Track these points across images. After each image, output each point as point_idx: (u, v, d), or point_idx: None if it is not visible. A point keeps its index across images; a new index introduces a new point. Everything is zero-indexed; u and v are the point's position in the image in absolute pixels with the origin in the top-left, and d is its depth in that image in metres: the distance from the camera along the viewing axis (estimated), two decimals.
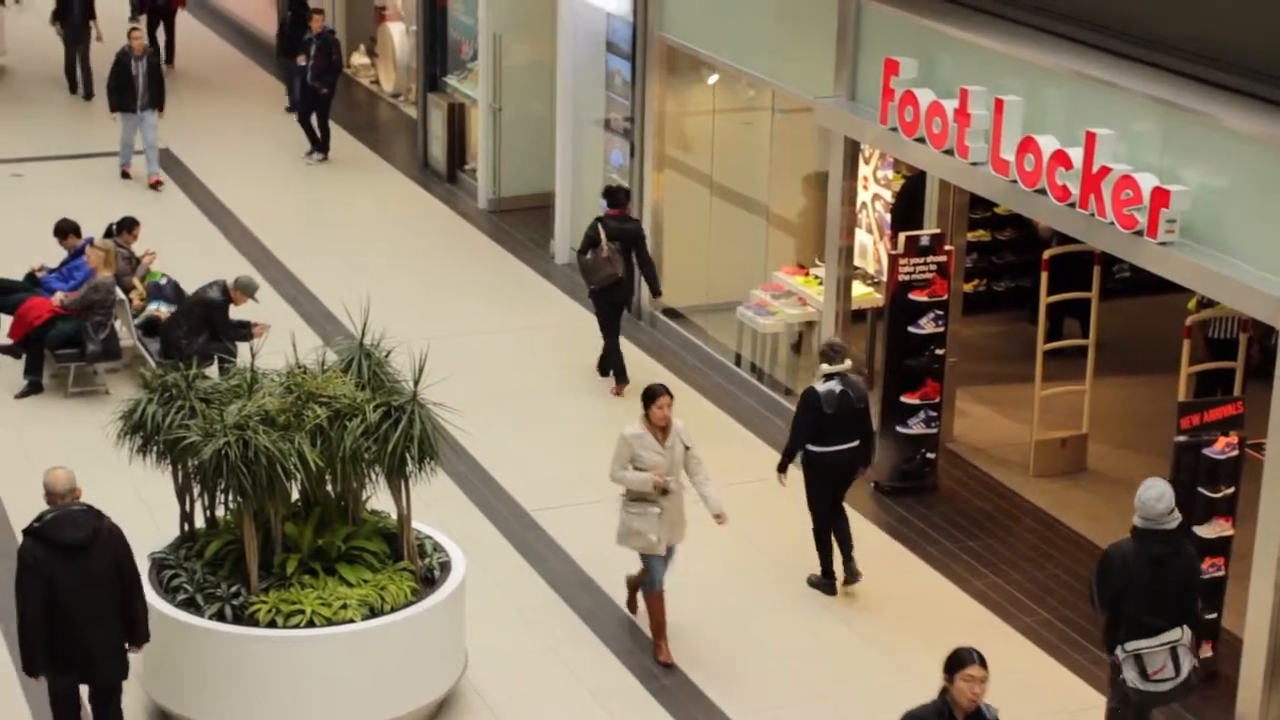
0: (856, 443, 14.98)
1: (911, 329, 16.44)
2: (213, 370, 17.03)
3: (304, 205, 24.49)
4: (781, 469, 15.14)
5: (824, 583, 15.28)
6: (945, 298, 16.51)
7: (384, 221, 23.94)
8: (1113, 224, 13.50)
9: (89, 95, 28.86)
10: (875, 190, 18.18)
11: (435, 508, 15.16)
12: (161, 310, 18.91)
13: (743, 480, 16.97)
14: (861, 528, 15.99)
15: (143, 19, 30.69)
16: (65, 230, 19.78)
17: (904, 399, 16.61)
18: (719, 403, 18.69)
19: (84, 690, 12.36)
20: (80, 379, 18.68)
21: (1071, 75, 14.33)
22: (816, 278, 18.45)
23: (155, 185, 24.84)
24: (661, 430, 13.92)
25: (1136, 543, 12.19)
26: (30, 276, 19.58)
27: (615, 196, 18.87)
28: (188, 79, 30.16)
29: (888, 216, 17.98)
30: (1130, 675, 12.25)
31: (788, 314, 18.73)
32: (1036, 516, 16.55)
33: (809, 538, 15.31)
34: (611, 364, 18.92)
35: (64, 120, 28.15)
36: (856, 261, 17.90)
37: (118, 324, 18.69)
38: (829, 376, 14.86)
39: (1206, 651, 13.67)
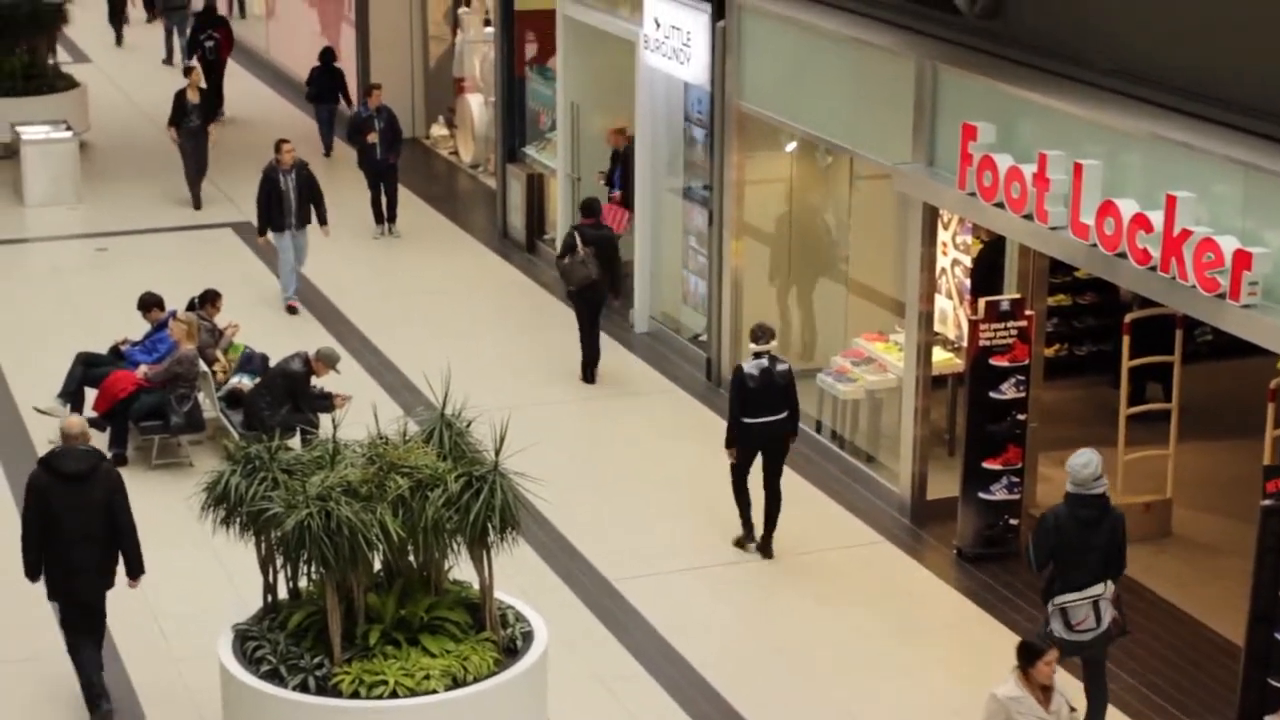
0: (783, 415, 16.58)
1: (993, 394, 16.38)
2: (295, 442, 17.09)
3: (384, 276, 24.61)
4: (728, 444, 16.68)
5: (745, 537, 16.91)
6: (1026, 363, 16.44)
7: (464, 291, 24.03)
8: (1194, 287, 13.43)
9: (198, 204, 27.64)
10: (955, 256, 18.14)
11: (517, 577, 15.15)
12: (244, 382, 19.03)
13: (825, 548, 16.94)
14: (943, 593, 15.92)
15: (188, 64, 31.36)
16: (148, 304, 19.93)
17: (986, 465, 16.53)
18: (799, 469, 18.62)
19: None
20: (164, 451, 18.80)
21: (1150, 138, 14.29)
22: (896, 344, 18.41)
23: (292, 310, 23.13)
24: (1044, 690, 11.90)
25: (1067, 507, 13.52)
26: (115, 350, 19.73)
27: (590, 207, 20.87)
28: (251, 142, 30.28)
29: (967, 282, 17.93)
30: (1056, 626, 13.43)
31: (868, 380, 18.68)
32: (1121, 582, 16.39)
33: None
34: (586, 356, 20.87)
35: (147, 195, 28.38)
36: (937, 327, 17.85)
37: (201, 396, 18.81)
38: (757, 355, 16.54)
39: None
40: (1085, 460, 13.51)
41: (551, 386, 20.79)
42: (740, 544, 16.97)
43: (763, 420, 16.57)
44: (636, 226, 22.44)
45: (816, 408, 19.28)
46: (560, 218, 24.40)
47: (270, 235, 23.09)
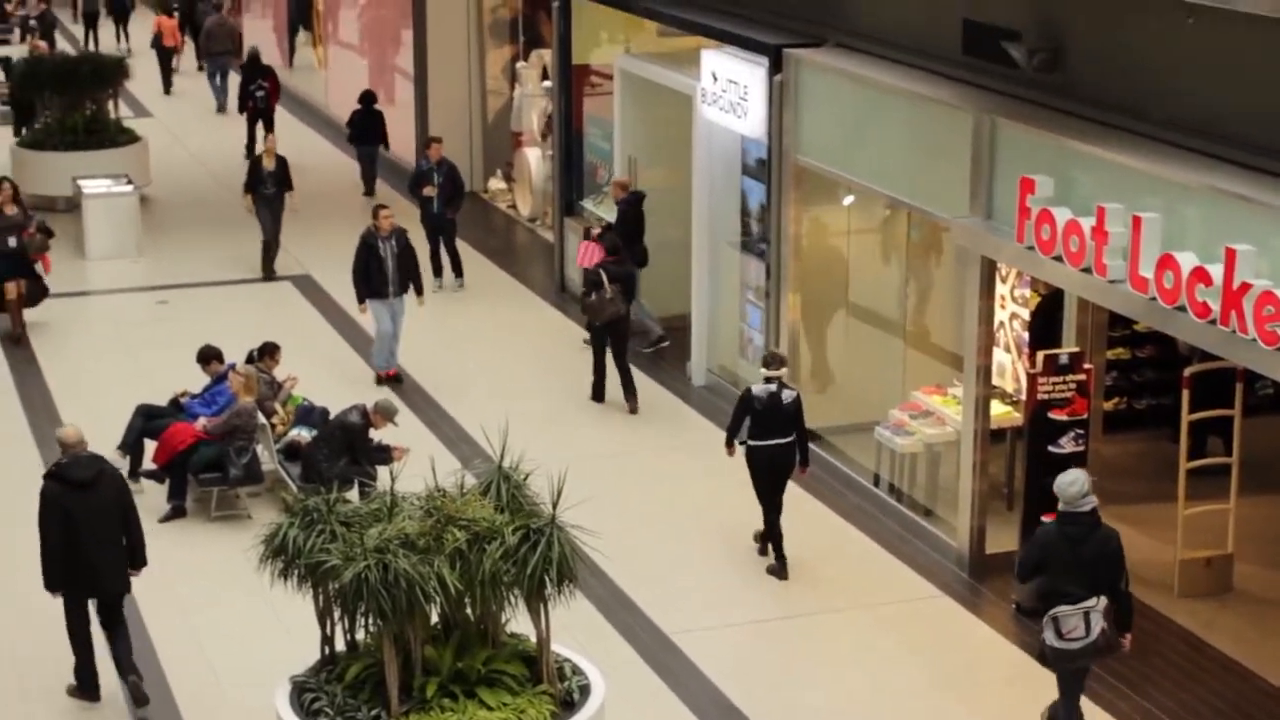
0: (790, 439, 17.36)
1: (1051, 448, 16.31)
2: (353, 494, 17.14)
3: (442, 328, 24.68)
4: (728, 445, 17.74)
5: (776, 568, 17.56)
6: (1085, 416, 16.38)
7: (521, 344, 24.08)
8: (1255, 340, 13.36)
9: (269, 275, 27.05)
10: (1013, 309, 18.11)
11: (574, 630, 15.13)
12: (303, 435, 19.10)
13: (883, 602, 16.89)
14: (1002, 648, 15.85)
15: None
16: (208, 356, 20.02)
17: (1045, 519, 16.42)
18: (857, 523, 18.60)
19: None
20: (223, 503, 18.86)
21: (1209, 191, 14.24)
22: (955, 397, 18.37)
23: (391, 378, 22.48)
24: None
25: (1057, 524, 14.03)
26: (174, 402, 19.83)
27: (616, 246, 21.95)
28: (309, 191, 30.48)
29: (1026, 335, 17.90)
30: (1049, 635, 13.88)
31: (926, 434, 18.63)
32: (1182, 638, 16.31)
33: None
34: (599, 376, 21.73)
35: (207, 248, 28.57)
36: (995, 380, 17.81)
37: (260, 449, 18.88)
38: (767, 380, 17.31)
39: None
40: (1072, 479, 13.97)
41: (609, 439, 20.80)
42: (758, 539, 17.99)
43: (769, 443, 17.35)
44: (694, 280, 22.47)
45: (874, 461, 19.24)
46: None
47: (370, 305, 22.40)
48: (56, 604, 14.99)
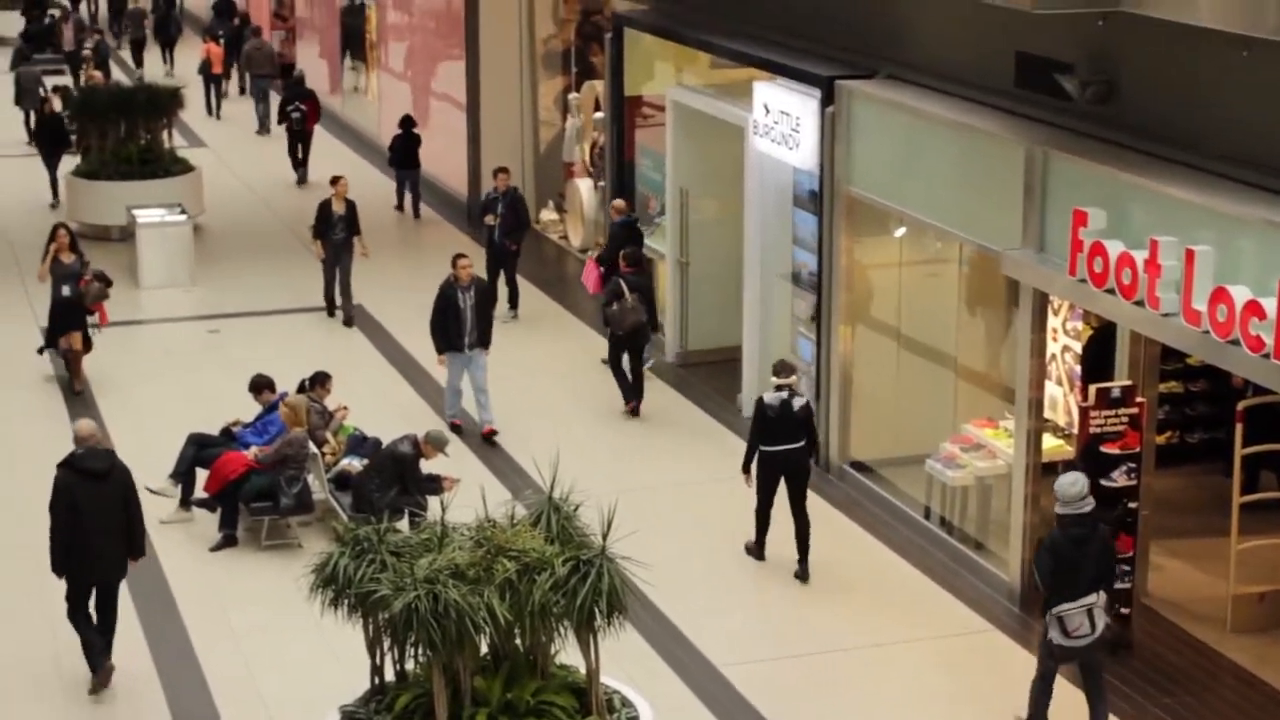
0: (801, 443, 17.93)
1: (1104, 482, 16.23)
2: (404, 524, 17.16)
3: (493, 359, 24.67)
4: (745, 469, 18.13)
5: (756, 550, 18.38)
6: (1138, 450, 16.29)
7: (572, 375, 24.09)
8: None
9: (350, 321, 26.35)
10: (1065, 342, 18.05)
11: (623, 662, 15.12)
12: (354, 464, 19.13)
13: (933, 636, 16.83)
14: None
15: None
16: (259, 386, 20.09)
17: None
18: (908, 556, 18.55)
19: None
20: (274, 532, 18.91)
21: (1263, 224, 14.19)
22: (1006, 430, 18.31)
23: (490, 435, 21.81)
24: None
25: (1060, 528, 14.59)
26: (226, 431, 19.90)
27: (636, 258, 22.79)
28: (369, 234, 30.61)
29: (1078, 368, 17.83)
30: (1054, 634, 14.46)
31: (977, 467, 18.57)
32: (1235, 673, 16.21)
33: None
34: (625, 388, 22.51)
35: (259, 277, 28.68)
36: (1046, 414, 17.75)
37: (310, 478, 18.92)
38: (778, 388, 17.90)
39: None
40: (1072, 479, 14.62)
41: (659, 470, 20.79)
42: (750, 550, 18.51)
43: (782, 448, 17.91)
44: (745, 311, 22.46)
45: (925, 494, 19.18)
46: (669, 302, 24.44)
47: (446, 357, 21.78)
48: None
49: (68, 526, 15.52)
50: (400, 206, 32.85)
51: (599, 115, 28.30)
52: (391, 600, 12.32)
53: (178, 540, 18.95)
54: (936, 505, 19.09)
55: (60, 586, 15.78)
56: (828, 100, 20.12)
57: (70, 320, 23.45)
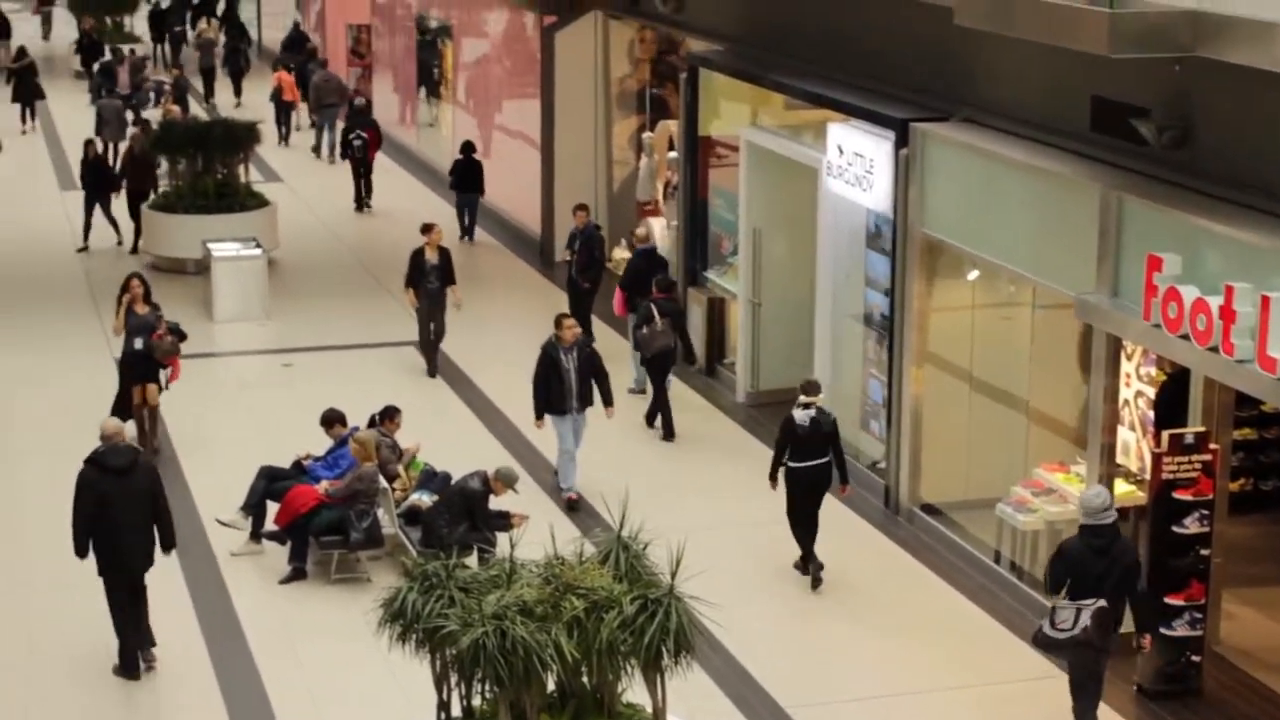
0: (826, 459, 18.79)
1: (1176, 528, 16.14)
2: (472, 560, 17.19)
3: None
4: (771, 478, 18.82)
5: (802, 565, 18.94)
6: (1211, 497, 16.19)
7: (641, 414, 24.06)
8: None
9: (434, 372, 25.67)
10: (1138, 387, 17.95)
11: (690, 701, 15.09)
12: (423, 500, 19.18)
13: (1003, 681, 16.74)
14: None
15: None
16: (331, 420, 20.17)
17: (1168, 600, 16.27)
18: (978, 600, 18.46)
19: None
20: (343, 566, 18.96)
21: None
22: (1078, 475, 18.21)
23: (573, 503, 20.73)
24: None
25: (1081, 537, 15.27)
26: (297, 465, 19.98)
27: (667, 284, 23.60)
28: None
29: (1151, 414, 17.73)
30: (1045, 623, 15.18)
31: (1048, 512, 18.47)
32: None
33: None
34: (663, 415, 23.18)
35: (332, 312, 28.82)
36: (1119, 459, 17.65)
37: (380, 512, 18.97)
38: (805, 405, 18.72)
39: None
40: (1096, 491, 15.43)
41: (728, 510, 20.75)
42: (797, 567, 19.03)
43: (811, 464, 18.69)
44: (816, 352, 22.43)
45: (995, 538, 19.09)
46: (741, 342, 24.42)
47: (548, 418, 20.98)
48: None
49: (90, 522, 16.47)
50: (463, 235, 33.30)
51: (673, 154, 28.34)
52: (459, 636, 12.33)
53: (247, 572, 19.03)
54: (1007, 550, 19.00)
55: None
56: (902, 142, 20.11)
57: (142, 374, 22.43)
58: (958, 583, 18.93)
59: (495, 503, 18.62)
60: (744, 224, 24.36)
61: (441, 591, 12.81)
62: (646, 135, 30.64)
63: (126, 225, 32.67)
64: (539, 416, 21.00)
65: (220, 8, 61.75)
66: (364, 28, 47.52)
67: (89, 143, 33.66)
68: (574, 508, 20.53)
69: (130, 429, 17.13)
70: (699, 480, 21.76)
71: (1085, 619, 14.92)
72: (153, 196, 32.40)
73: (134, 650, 16.72)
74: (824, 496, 18.87)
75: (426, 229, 25.86)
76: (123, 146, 36.38)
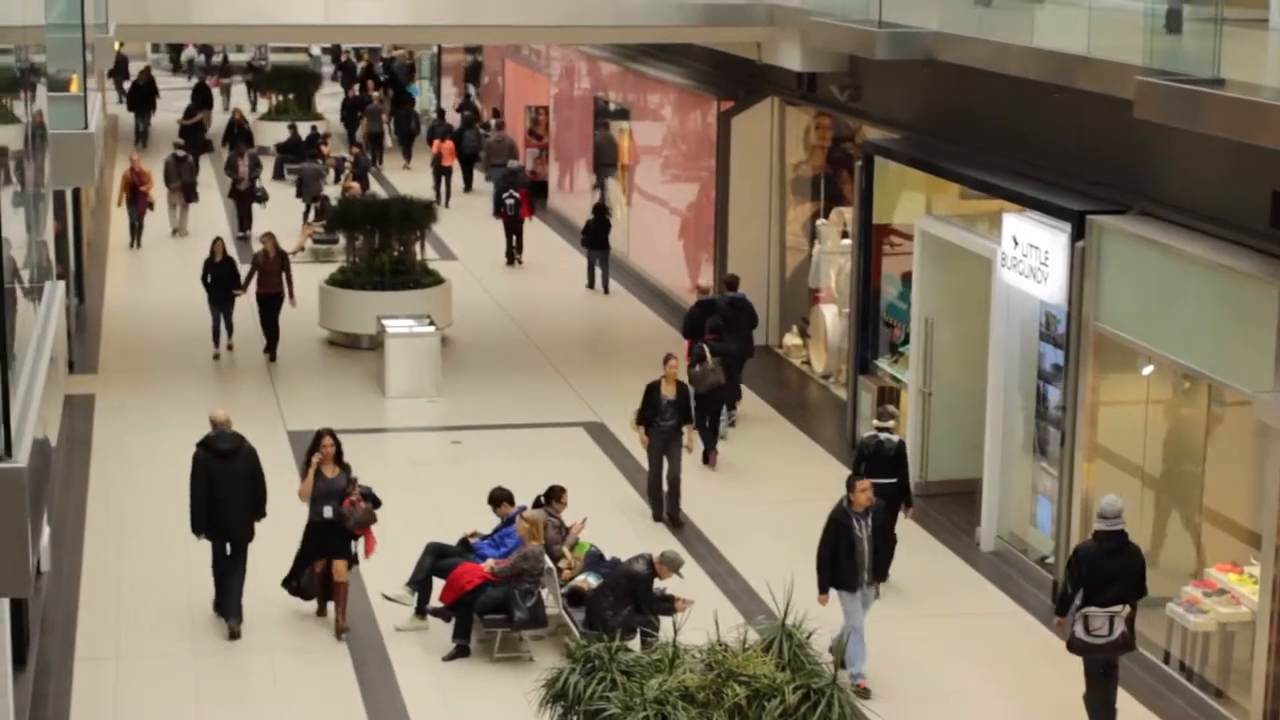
0: (894, 479, 20.35)
1: None
2: (635, 643, 17.16)
3: (729, 482, 24.72)
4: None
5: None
6: None
7: (810, 501, 23.90)
8: None
9: (678, 523, 22.99)
10: None
11: None
12: (588, 581, 19.19)
13: None
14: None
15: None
16: (498, 499, 20.25)
17: None
18: (1146, 701, 18.17)
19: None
20: (506, 645, 19.01)
21: None
22: (1251, 576, 17.91)
23: (863, 692, 17.67)
24: None
25: (1095, 541, 16.77)
26: (464, 542, 20.08)
27: (717, 327, 25.82)
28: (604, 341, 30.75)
29: None
30: (1078, 629, 16.55)
31: (1220, 612, 18.17)
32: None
33: None
34: (706, 445, 25.05)
35: (502, 390, 28.99)
36: None
37: (545, 592, 19.01)
38: (879, 429, 20.69)
39: None
40: (1111, 500, 16.86)
41: (894, 602, 20.59)
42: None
43: (876, 482, 19.00)
44: (987, 443, 22.26)
45: (1165, 638, 18.80)
46: (910, 431, 24.23)
47: (836, 594, 18.08)
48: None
49: (205, 495, 19.29)
50: (591, 284, 36.42)
51: (846, 242, 28.32)
52: (621, 719, 12.31)
53: (412, 648, 19.13)
54: (1176, 650, 18.71)
55: None
56: (1078, 234, 19.97)
57: (331, 545, 19.54)
58: (1126, 683, 18.61)
59: (660, 586, 18.59)
60: (916, 313, 24.26)
61: (604, 674, 12.82)
62: (820, 222, 30.66)
63: (251, 330, 31.76)
64: (823, 590, 17.93)
65: (382, 76, 63.21)
66: (542, 109, 48.02)
67: (217, 239, 31.51)
68: (866, 695, 17.60)
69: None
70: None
71: (1120, 625, 16.52)
72: (288, 301, 30.85)
73: (232, 606, 19.46)
74: (895, 517, 20.05)
75: (665, 360, 23.51)
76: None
